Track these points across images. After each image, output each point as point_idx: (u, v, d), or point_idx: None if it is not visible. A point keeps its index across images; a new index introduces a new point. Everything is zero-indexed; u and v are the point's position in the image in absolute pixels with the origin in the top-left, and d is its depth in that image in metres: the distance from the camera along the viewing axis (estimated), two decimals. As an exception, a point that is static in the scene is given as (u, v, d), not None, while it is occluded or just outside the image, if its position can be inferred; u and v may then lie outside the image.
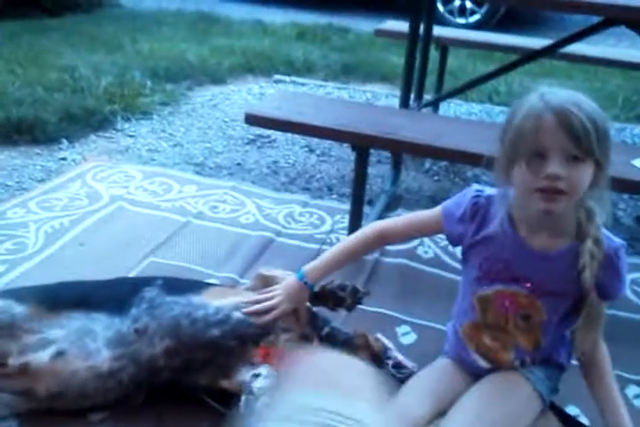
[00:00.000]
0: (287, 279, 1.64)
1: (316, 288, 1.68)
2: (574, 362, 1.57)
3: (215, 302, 1.60)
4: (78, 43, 5.10)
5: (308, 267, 1.62)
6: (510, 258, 1.44)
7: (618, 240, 1.42)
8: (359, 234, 1.65)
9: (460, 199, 1.52)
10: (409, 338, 1.92)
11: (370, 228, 1.65)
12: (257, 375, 1.48)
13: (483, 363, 1.56)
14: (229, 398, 1.51)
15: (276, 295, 1.60)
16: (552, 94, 1.27)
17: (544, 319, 1.47)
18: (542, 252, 1.41)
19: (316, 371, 0.85)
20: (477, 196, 1.49)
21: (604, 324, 1.47)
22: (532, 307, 1.46)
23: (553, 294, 1.43)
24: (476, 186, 1.54)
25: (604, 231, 1.38)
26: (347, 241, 1.65)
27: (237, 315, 1.57)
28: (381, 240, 1.66)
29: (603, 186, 1.33)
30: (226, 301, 1.61)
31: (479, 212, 1.48)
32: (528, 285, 1.44)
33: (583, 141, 1.22)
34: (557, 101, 1.25)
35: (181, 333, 1.53)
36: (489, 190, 1.50)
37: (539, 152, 1.25)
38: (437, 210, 1.56)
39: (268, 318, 1.56)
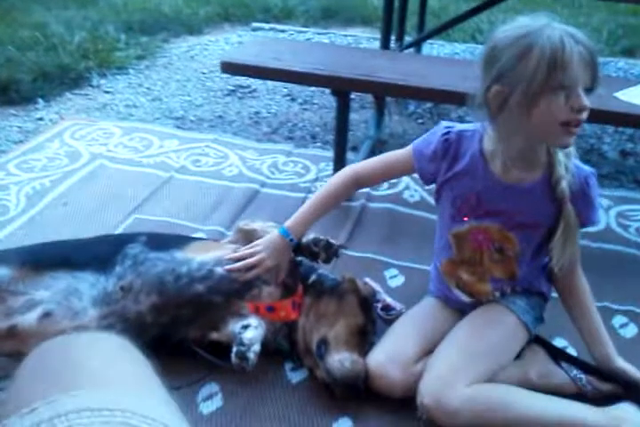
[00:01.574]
0: (270, 235, 1.62)
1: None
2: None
3: (198, 256, 1.59)
4: (48, -1, 4.94)
5: (289, 222, 1.60)
6: (482, 192, 1.44)
7: (587, 168, 1.42)
8: (333, 181, 1.63)
9: (430, 137, 1.51)
10: (396, 281, 1.93)
11: (343, 173, 1.63)
12: (246, 326, 1.49)
13: (464, 297, 1.58)
14: (222, 349, 1.52)
15: (259, 252, 1.58)
16: (568, 28, 1.24)
17: (517, 251, 1.48)
18: (515, 185, 1.41)
19: (67, 364, 0.74)
20: (448, 133, 1.47)
21: (579, 242, 1.48)
22: (506, 240, 1.47)
23: (525, 225, 1.44)
24: (445, 123, 1.52)
25: (574, 160, 1.39)
26: (322, 190, 1.63)
27: (220, 270, 1.56)
28: (356, 185, 1.65)
29: None
30: (209, 255, 1.60)
31: (450, 148, 1.46)
32: (500, 218, 1.45)
33: (597, 74, 1.24)
34: (579, 35, 1.23)
35: (166, 289, 1.53)
36: (459, 126, 1.48)
37: (564, 85, 1.23)
38: (408, 149, 1.55)
39: (250, 275, 1.56)
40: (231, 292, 1.55)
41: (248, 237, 1.68)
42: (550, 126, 1.28)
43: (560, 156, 1.37)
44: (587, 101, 1.24)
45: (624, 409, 1.40)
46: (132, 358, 0.82)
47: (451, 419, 1.35)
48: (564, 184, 1.36)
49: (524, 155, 1.38)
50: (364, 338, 1.58)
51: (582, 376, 1.50)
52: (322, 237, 1.67)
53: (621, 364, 1.47)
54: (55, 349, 0.80)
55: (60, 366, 0.73)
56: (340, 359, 1.48)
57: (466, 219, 1.49)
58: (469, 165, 1.44)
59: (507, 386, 1.42)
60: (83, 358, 0.75)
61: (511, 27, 1.29)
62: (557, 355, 1.57)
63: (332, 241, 1.68)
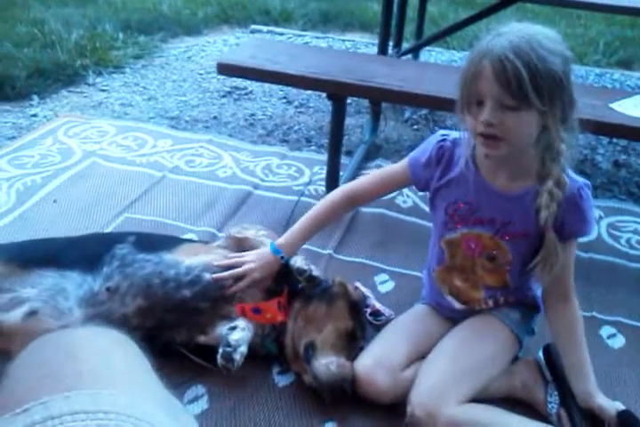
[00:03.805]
0: (262, 250, 1.60)
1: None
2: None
3: (187, 260, 1.57)
4: (47, -5, 4.92)
5: (281, 240, 1.60)
6: (474, 200, 1.43)
7: (581, 180, 1.39)
8: (328, 200, 1.63)
9: (426, 145, 1.51)
10: (387, 286, 1.92)
11: (339, 192, 1.63)
12: (233, 328, 1.49)
13: (457, 304, 1.57)
14: (209, 351, 1.50)
15: (248, 263, 1.57)
16: (499, 38, 1.21)
17: (509, 260, 1.47)
18: (504, 193, 1.40)
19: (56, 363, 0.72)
20: (443, 140, 1.47)
21: (570, 274, 1.46)
22: (498, 248, 1.46)
23: (517, 234, 1.43)
24: (441, 131, 1.52)
25: (569, 172, 1.36)
26: (316, 208, 1.63)
27: (208, 276, 1.55)
28: (351, 204, 1.66)
29: (562, 129, 1.28)
30: (197, 259, 1.58)
31: (444, 155, 1.47)
32: (492, 226, 1.44)
33: (515, 91, 1.19)
34: (499, 48, 1.19)
35: (152, 293, 1.52)
36: (455, 134, 1.48)
37: (478, 98, 1.24)
38: (404, 161, 1.55)
39: (236, 288, 1.55)
40: (218, 297, 1.54)
41: (239, 244, 1.67)
42: (472, 135, 1.31)
43: (553, 167, 1.31)
44: (487, 116, 1.23)
45: None
46: (128, 354, 0.80)
47: None
48: (543, 214, 1.33)
49: (502, 161, 1.37)
50: (353, 342, 1.57)
51: (555, 405, 1.47)
52: (306, 267, 1.61)
53: (600, 401, 1.41)
54: (51, 344, 0.79)
55: (55, 364, 0.72)
56: (327, 363, 1.47)
57: (458, 226, 1.48)
58: (462, 171, 1.43)
59: (498, 410, 1.40)
60: (78, 354, 0.73)
61: None
62: (555, 377, 1.51)
63: (315, 274, 1.63)
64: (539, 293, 1.56)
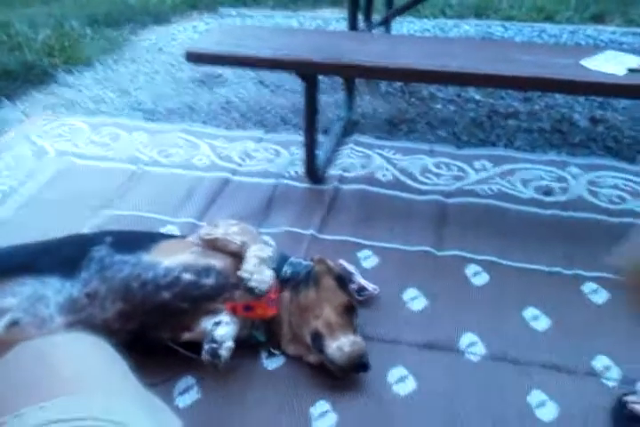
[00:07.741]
0: None
1: None
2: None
3: (165, 260, 1.54)
4: (10, -4, 4.85)
5: None
6: None
7: None
8: None
9: None
10: (370, 262, 1.92)
11: None
12: (218, 323, 1.48)
13: None
14: (197, 343, 1.50)
15: None
16: None
17: None
18: None
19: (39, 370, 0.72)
20: None
21: None
22: None
23: None
24: None
25: None
26: None
27: (187, 277, 1.52)
28: None
29: None
30: (176, 260, 1.55)
31: None
32: None
33: None
34: None
35: (132, 296, 1.49)
36: None
37: None
38: None
39: None
40: (198, 297, 1.52)
41: (211, 244, 1.63)
42: None
43: None
44: None
45: None
46: (104, 359, 0.80)
47: None
48: None
49: None
50: (353, 314, 1.58)
51: None
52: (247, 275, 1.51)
53: None
54: (28, 354, 0.78)
55: (32, 374, 0.72)
56: (339, 346, 1.48)
57: None
58: None
59: None
60: (54, 362, 0.74)
61: None
62: None
63: (252, 284, 1.50)
64: None
